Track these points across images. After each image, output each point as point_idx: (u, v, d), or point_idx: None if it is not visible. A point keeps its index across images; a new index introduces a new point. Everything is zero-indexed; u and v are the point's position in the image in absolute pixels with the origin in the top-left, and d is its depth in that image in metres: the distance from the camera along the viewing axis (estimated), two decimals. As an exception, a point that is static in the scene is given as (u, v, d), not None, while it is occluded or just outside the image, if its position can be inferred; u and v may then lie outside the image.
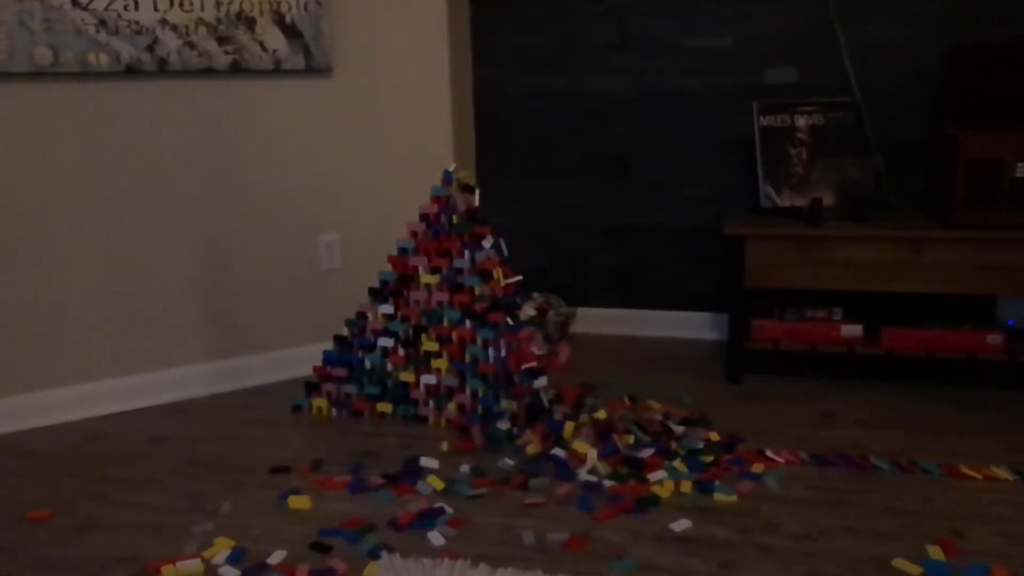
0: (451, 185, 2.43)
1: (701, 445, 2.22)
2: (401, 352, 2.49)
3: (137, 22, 2.48)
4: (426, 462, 2.17)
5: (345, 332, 2.55)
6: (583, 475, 2.07)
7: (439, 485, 2.03)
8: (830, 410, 2.48)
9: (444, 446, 2.27)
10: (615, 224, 3.28)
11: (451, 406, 2.42)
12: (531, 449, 2.20)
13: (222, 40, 2.60)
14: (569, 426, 2.24)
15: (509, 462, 2.16)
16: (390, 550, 1.77)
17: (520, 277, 2.44)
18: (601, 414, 2.34)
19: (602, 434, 2.25)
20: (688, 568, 1.69)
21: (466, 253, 2.41)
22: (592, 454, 2.12)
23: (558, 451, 2.18)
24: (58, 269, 2.52)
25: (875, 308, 2.77)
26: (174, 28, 2.53)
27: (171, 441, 2.40)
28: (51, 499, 2.07)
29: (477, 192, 2.43)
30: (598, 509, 1.92)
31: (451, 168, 2.43)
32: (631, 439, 2.24)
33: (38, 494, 2.10)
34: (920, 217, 2.72)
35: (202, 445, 2.36)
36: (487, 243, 2.38)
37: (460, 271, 2.42)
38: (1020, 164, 2.40)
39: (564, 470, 2.08)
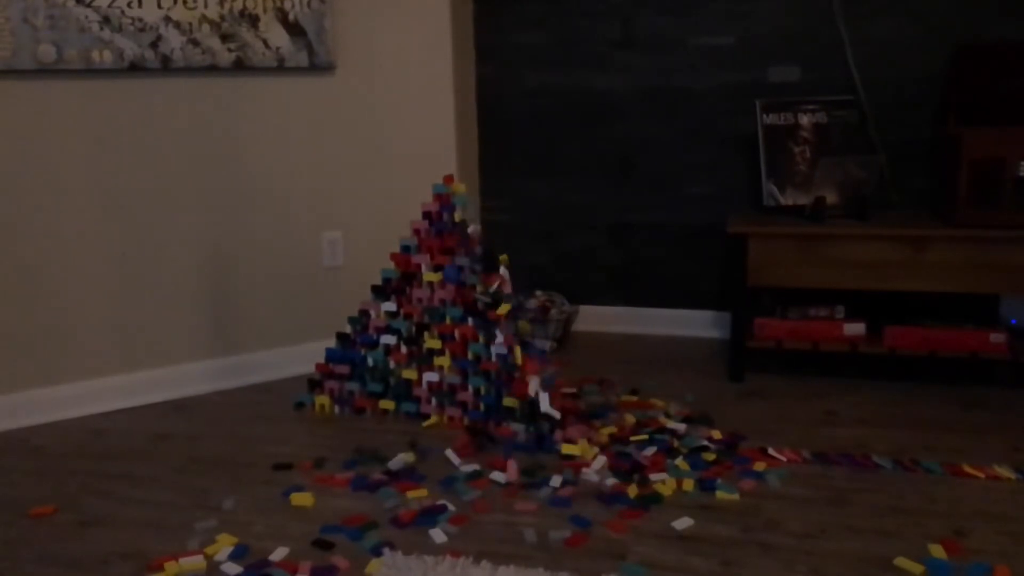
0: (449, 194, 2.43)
1: (703, 443, 2.22)
2: (403, 350, 2.49)
3: (141, 19, 2.48)
4: (395, 464, 2.13)
5: (348, 329, 2.55)
6: (587, 475, 2.07)
7: (422, 494, 2.01)
8: (832, 409, 2.48)
9: (409, 457, 2.18)
10: (618, 222, 3.28)
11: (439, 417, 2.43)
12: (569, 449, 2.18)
13: (225, 37, 2.60)
14: (585, 446, 2.21)
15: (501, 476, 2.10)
16: (392, 547, 1.77)
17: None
18: (629, 419, 2.37)
19: (617, 438, 2.26)
20: (690, 566, 1.69)
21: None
22: (602, 459, 2.12)
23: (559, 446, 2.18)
24: (61, 266, 2.52)
25: (878, 307, 2.77)
26: (177, 25, 2.53)
27: (174, 438, 2.40)
28: (55, 495, 2.07)
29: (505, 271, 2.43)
30: (603, 512, 1.92)
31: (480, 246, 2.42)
32: (644, 438, 2.24)
33: (42, 490, 2.10)
34: (923, 216, 2.72)
35: (205, 442, 2.37)
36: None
37: (462, 269, 2.42)
38: (1023, 163, 2.40)
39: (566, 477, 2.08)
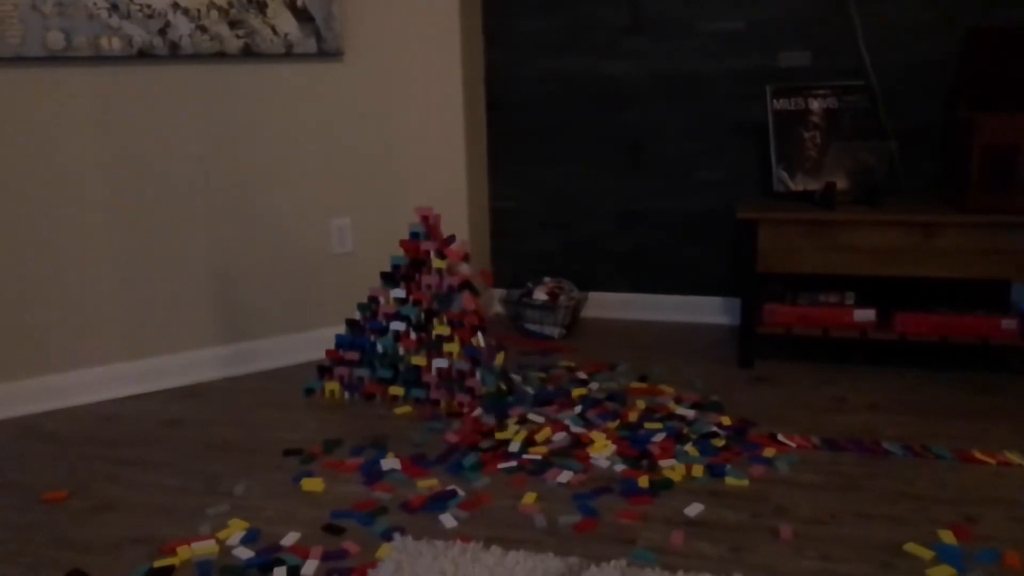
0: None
1: (713, 429, 2.22)
2: (413, 336, 2.50)
3: (149, 6, 2.48)
4: (388, 464, 2.10)
5: (357, 316, 2.55)
6: (596, 461, 2.08)
7: (431, 484, 2.01)
8: (842, 395, 2.48)
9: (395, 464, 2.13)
10: (627, 208, 3.27)
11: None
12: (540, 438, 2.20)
13: (234, 24, 2.60)
14: (599, 439, 2.20)
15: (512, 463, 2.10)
16: (402, 532, 1.78)
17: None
18: (640, 405, 2.37)
19: (628, 426, 2.26)
20: (699, 552, 1.69)
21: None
22: (611, 446, 2.13)
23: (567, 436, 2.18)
24: (72, 253, 2.53)
25: (888, 293, 2.76)
26: (186, 12, 2.53)
27: (185, 424, 2.42)
28: (67, 480, 2.09)
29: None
30: (613, 498, 1.92)
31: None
32: (659, 425, 2.25)
33: (55, 475, 2.12)
34: (934, 201, 2.70)
35: (216, 428, 2.38)
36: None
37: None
38: (1036, 148, 2.38)
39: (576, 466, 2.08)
